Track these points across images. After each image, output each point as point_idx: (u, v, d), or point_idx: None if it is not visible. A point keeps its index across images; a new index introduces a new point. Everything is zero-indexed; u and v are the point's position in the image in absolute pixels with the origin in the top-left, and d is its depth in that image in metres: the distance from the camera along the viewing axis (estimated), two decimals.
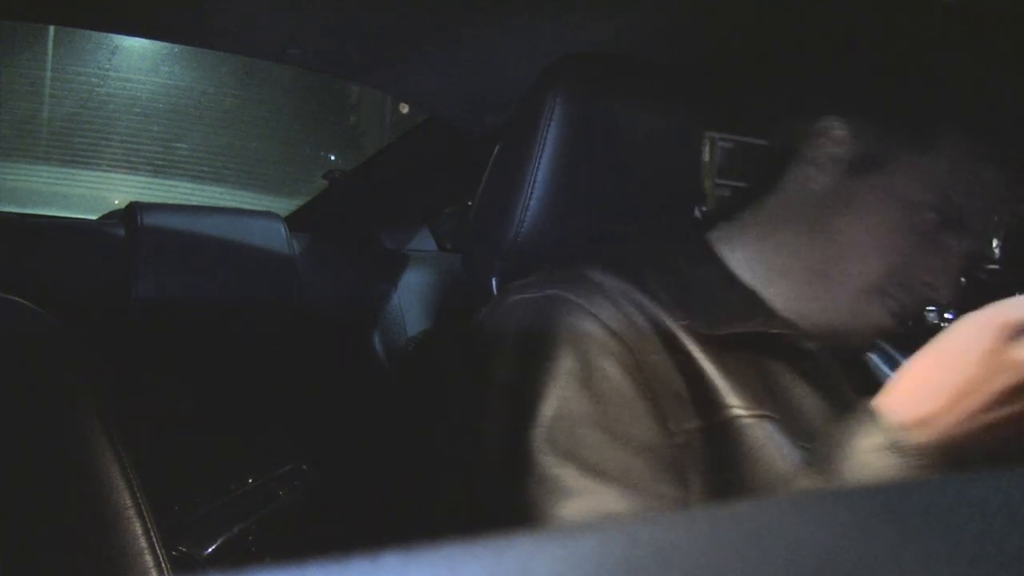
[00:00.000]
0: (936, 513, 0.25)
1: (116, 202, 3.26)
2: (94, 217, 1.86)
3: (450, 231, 2.15)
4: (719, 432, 0.69)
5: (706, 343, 0.73)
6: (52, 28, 3.86)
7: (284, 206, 2.14)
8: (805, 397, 0.75)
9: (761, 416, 0.70)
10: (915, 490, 0.27)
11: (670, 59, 1.00)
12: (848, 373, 0.79)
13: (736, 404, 0.70)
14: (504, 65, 1.31)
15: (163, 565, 0.61)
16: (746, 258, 0.82)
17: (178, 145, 3.61)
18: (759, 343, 0.75)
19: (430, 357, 1.10)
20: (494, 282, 0.95)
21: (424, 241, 2.03)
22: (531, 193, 0.87)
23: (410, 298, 1.86)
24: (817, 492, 0.60)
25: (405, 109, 3.80)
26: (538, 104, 0.87)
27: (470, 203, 2.21)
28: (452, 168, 1.81)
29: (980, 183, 0.76)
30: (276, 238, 1.67)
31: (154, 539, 0.61)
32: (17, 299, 0.62)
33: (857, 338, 0.80)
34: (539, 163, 0.87)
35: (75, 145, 4.14)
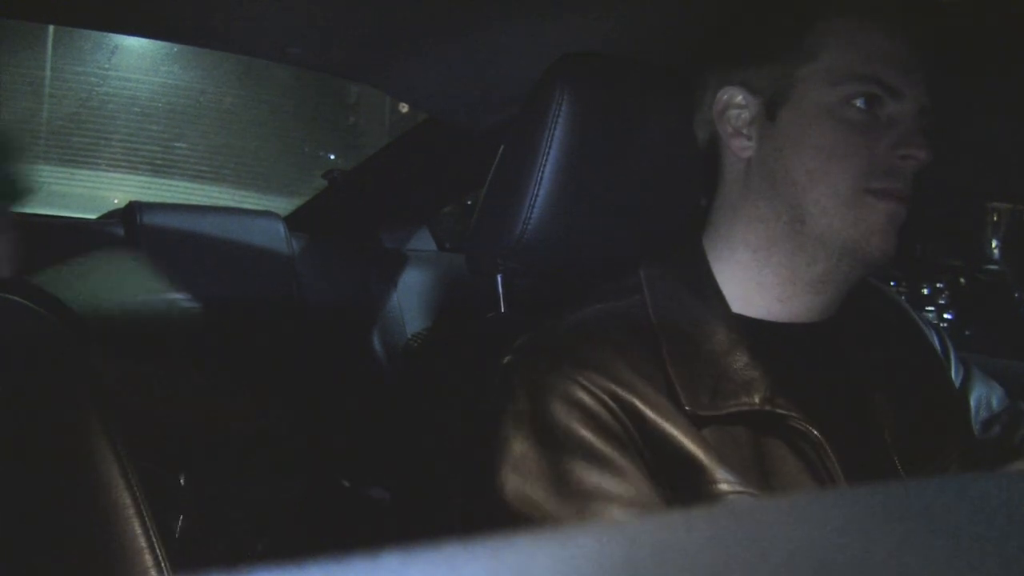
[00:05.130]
0: (936, 513, 0.25)
1: (116, 201, 3.26)
2: (93, 216, 1.86)
3: (450, 231, 2.16)
4: (702, 502, 0.69)
5: (704, 419, 0.73)
6: (52, 28, 3.85)
7: (284, 206, 2.14)
8: (796, 478, 0.74)
9: (743, 492, 0.70)
10: (915, 491, 0.27)
11: (669, 59, 1.00)
12: (846, 461, 0.74)
13: (721, 479, 0.70)
14: (503, 65, 1.31)
15: (162, 564, 0.61)
16: (731, 264, 0.83)
17: (177, 145, 3.61)
18: (759, 419, 0.74)
19: (437, 354, 1.10)
20: (499, 281, 0.95)
21: (423, 241, 2.03)
22: (537, 192, 0.87)
23: (409, 297, 1.86)
24: (817, 493, 0.61)
25: (405, 109, 3.80)
26: (545, 102, 0.87)
27: (470, 203, 2.22)
28: (452, 168, 1.81)
29: (875, 43, 0.78)
30: (275, 238, 1.67)
31: (153, 538, 0.61)
32: (17, 299, 0.62)
33: (872, 252, 0.78)
34: (546, 161, 0.87)
35: (74, 144, 4.14)
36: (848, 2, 0.81)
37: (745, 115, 0.82)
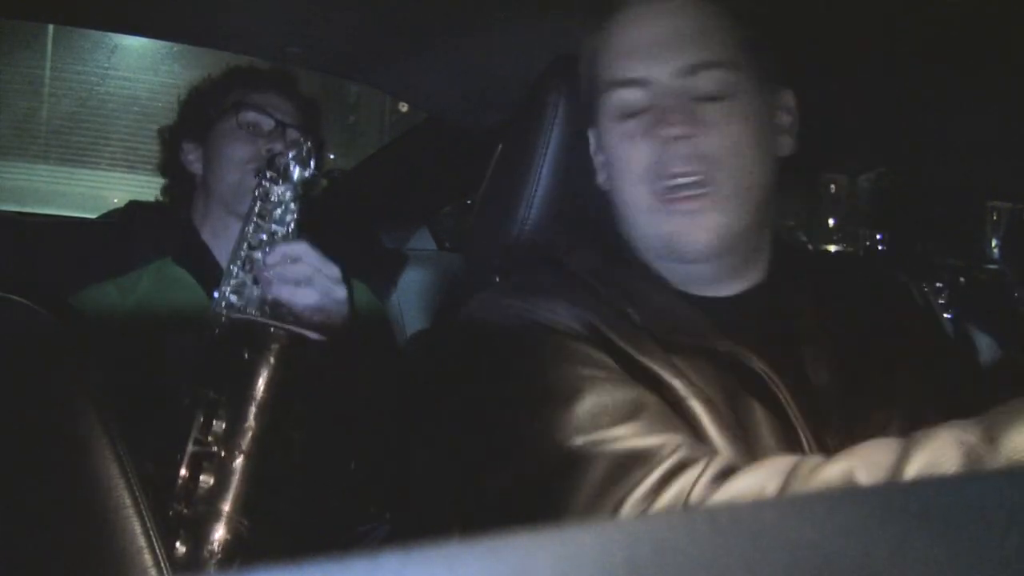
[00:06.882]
0: (936, 513, 0.25)
1: (115, 201, 3.25)
2: (93, 216, 1.86)
3: (450, 231, 2.15)
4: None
5: (654, 344, 0.75)
6: (51, 28, 3.85)
7: None
8: (757, 415, 0.75)
9: (699, 398, 0.73)
10: (915, 491, 0.27)
11: None
12: (798, 397, 0.76)
13: (678, 386, 0.73)
14: (503, 65, 1.31)
15: (162, 564, 0.61)
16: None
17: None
18: (704, 355, 0.76)
19: (432, 353, 1.11)
20: (498, 280, 0.95)
21: (423, 240, 2.03)
22: (535, 192, 0.87)
23: (409, 297, 1.86)
24: (817, 493, 0.61)
25: (405, 109, 3.80)
26: (542, 103, 0.87)
27: (469, 202, 2.22)
28: (451, 167, 1.81)
29: (608, 46, 0.80)
30: None
31: (153, 538, 0.61)
32: (17, 299, 0.62)
33: (688, 252, 0.77)
34: (544, 161, 0.87)
35: (74, 144, 4.14)
36: (590, 15, 0.82)
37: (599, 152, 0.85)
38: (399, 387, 1.13)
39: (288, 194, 1.10)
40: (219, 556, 0.90)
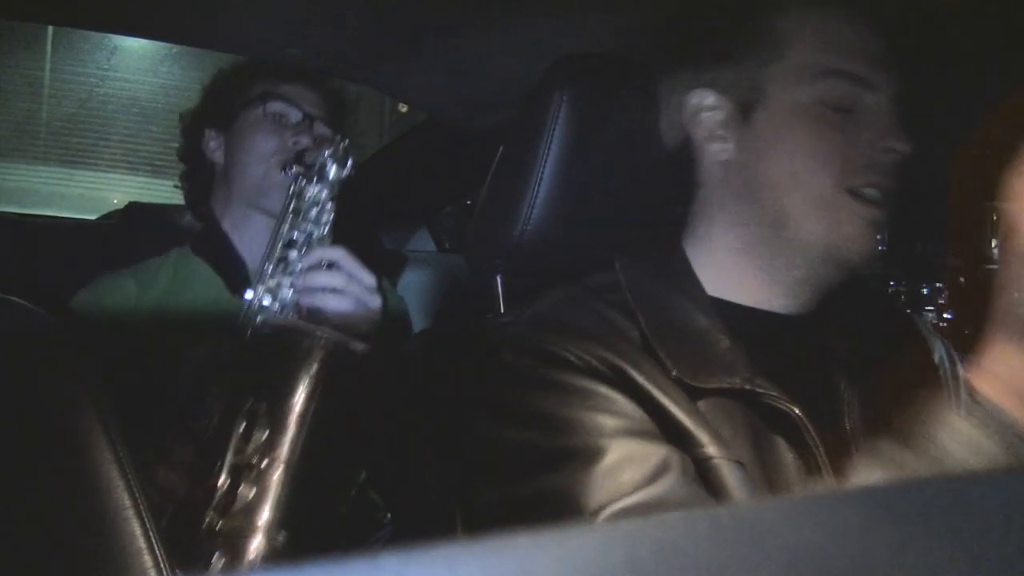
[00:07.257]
0: (937, 514, 0.25)
1: (115, 202, 3.25)
2: (93, 217, 1.86)
3: (450, 231, 2.15)
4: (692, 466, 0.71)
5: (687, 389, 0.73)
6: (51, 28, 3.86)
7: None
8: (784, 455, 0.75)
9: (730, 460, 0.71)
10: (916, 491, 0.27)
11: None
12: (827, 440, 0.75)
13: (708, 443, 0.71)
14: (504, 65, 1.31)
15: (161, 565, 0.61)
16: (709, 266, 0.82)
17: (177, 145, 3.60)
18: (743, 397, 0.75)
19: (434, 357, 1.10)
20: (498, 281, 0.95)
21: (423, 241, 2.03)
22: (537, 193, 0.87)
23: (409, 298, 1.86)
24: (818, 494, 0.61)
25: (405, 109, 3.80)
26: (544, 103, 0.87)
27: (469, 202, 2.22)
28: (452, 168, 1.81)
29: (841, 36, 0.78)
30: None
31: (153, 539, 0.61)
32: (17, 299, 0.62)
33: (852, 257, 0.78)
34: (545, 162, 0.86)
35: (74, 145, 4.15)
36: None
37: (718, 116, 0.81)
38: (401, 389, 1.13)
39: (324, 193, 1.06)
40: (257, 568, 0.88)
